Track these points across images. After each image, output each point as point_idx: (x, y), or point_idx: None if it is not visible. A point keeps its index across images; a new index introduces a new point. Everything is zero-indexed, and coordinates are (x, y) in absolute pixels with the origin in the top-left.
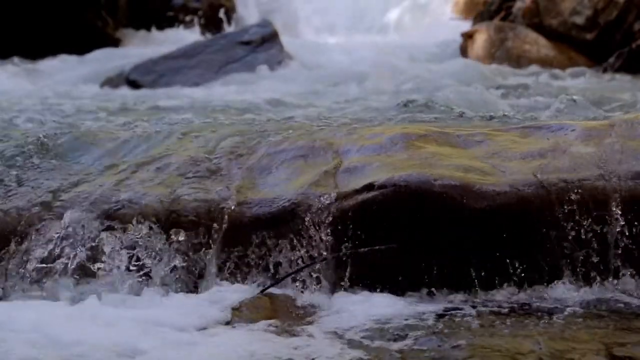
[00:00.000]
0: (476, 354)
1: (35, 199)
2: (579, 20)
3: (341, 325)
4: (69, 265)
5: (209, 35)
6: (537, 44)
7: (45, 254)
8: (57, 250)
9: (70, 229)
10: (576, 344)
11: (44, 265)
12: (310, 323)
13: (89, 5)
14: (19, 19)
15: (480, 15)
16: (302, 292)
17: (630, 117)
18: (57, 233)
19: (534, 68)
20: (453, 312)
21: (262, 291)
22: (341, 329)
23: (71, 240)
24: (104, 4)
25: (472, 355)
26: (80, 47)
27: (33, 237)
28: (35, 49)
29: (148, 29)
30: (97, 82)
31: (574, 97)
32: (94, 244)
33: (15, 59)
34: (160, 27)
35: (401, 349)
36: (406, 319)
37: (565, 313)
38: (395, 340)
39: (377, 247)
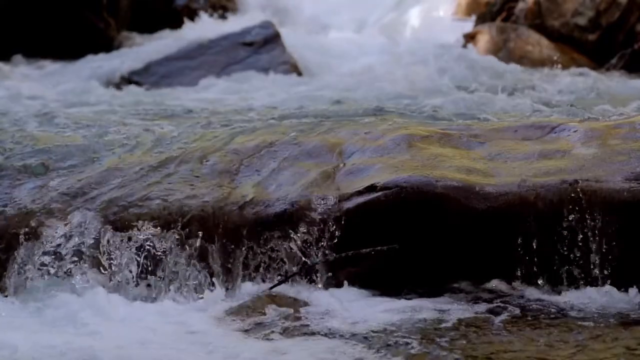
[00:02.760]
0: (478, 356)
1: (42, 200)
2: (581, 21)
3: (343, 325)
4: (78, 267)
5: (211, 36)
6: (540, 44)
7: (54, 254)
8: (66, 252)
9: (76, 231)
10: (573, 349)
11: (54, 266)
12: (312, 323)
13: (90, 7)
14: (19, 20)
15: (482, 16)
16: (304, 292)
17: (633, 119)
18: (65, 234)
19: (536, 69)
20: (454, 312)
21: (264, 292)
22: (343, 329)
23: (78, 243)
24: (105, 5)
25: (475, 358)
26: (82, 49)
27: (39, 238)
28: (35, 50)
29: (150, 29)
30: (99, 84)
31: (576, 98)
32: (99, 245)
33: (15, 61)
34: (162, 28)
35: (404, 350)
36: (408, 320)
37: (567, 317)
38: (398, 340)
39: (379, 248)
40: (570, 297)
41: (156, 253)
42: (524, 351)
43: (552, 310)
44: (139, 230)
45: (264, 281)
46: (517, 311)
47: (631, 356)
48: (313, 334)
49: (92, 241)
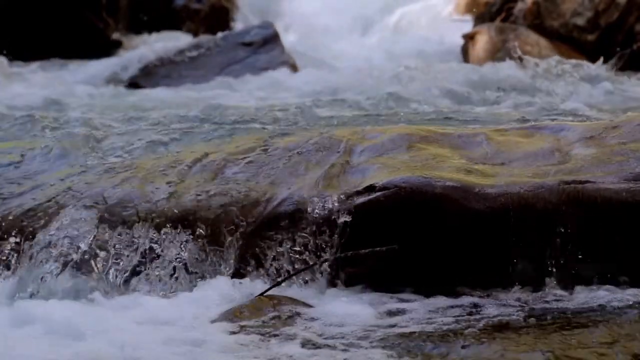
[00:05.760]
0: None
1: (41, 201)
2: (580, 21)
3: (342, 326)
4: (77, 266)
5: (210, 37)
6: (538, 45)
7: (54, 254)
8: (66, 251)
9: (75, 230)
10: (573, 350)
11: (64, 264)
12: (311, 324)
13: (89, 7)
14: (18, 20)
15: (482, 17)
16: (303, 293)
17: (632, 118)
18: (64, 233)
19: (535, 69)
20: (452, 313)
21: (262, 293)
22: (342, 331)
23: (76, 241)
24: (105, 6)
25: None
26: (81, 49)
27: (39, 238)
28: (34, 50)
29: (149, 30)
30: (99, 84)
31: (575, 98)
32: (98, 241)
33: (14, 61)
34: (162, 29)
35: (403, 351)
36: (407, 321)
37: (570, 316)
38: (396, 341)
39: (377, 249)
40: (570, 297)
41: (154, 252)
42: (533, 353)
43: (553, 310)
44: (137, 228)
45: (261, 282)
46: (519, 311)
47: None
48: (309, 335)
49: (89, 239)
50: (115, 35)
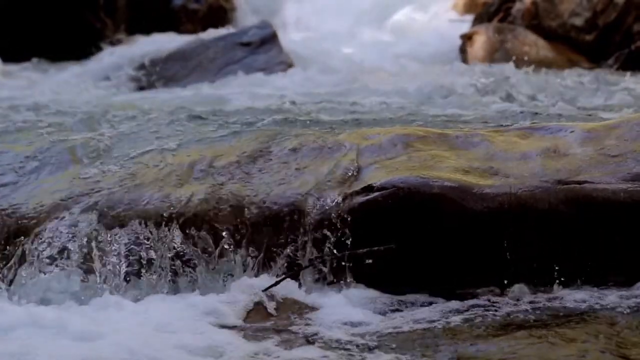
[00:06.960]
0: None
1: (40, 201)
2: (578, 21)
3: (345, 327)
4: (80, 265)
5: (208, 37)
6: (537, 45)
7: (56, 253)
8: (70, 251)
9: (75, 230)
10: (574, 348)
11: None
12: (308, 323)
13: (87, 7)
14: (16, 20)
15: (480, 17)
16: (301, 291)
17: (630, 119)
18: (72, 234)
19: (533, 69)
20: (454, 313)
21: (261, 291)
22: (340, 330)
23: (81, 241)
24: (103, 6)
25: None
26: (79, 49)
27: (39, 238)
28: (31, 50)
29: (147, 30)
30: (96, 84)
31: (573, 99)
32: (101, 244)
33: (11, 61)
34: (160, 29)
35: (401, 350)
36: (410, 321)
37: (566, 316)
38: (400, 341)
39: (375, 248)
40: (568, 297)
41: (156, 255)
42: (538, 352)
43: (552, 309)
44: (138, 230)
45: (262, 282)
46: (517, 310)
47: None
48: (307, 335)
49: (92, 242)
50: (113, 36)
